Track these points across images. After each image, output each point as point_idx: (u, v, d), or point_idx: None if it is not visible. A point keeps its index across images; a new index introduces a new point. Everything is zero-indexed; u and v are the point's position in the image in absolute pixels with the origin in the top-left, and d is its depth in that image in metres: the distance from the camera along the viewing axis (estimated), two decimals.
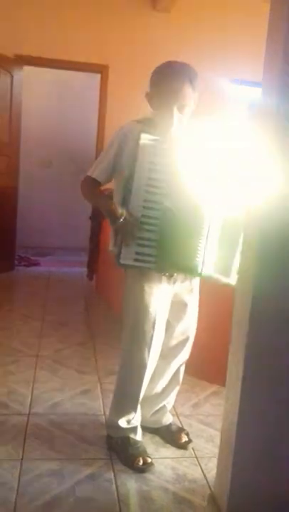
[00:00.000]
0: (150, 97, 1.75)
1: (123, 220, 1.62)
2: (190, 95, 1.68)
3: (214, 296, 2.07)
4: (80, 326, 3.42)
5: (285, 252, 1.35)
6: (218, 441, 1.66)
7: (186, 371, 2.40)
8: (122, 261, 1.67)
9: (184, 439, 1.96)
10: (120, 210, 1.63)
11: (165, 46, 4.38)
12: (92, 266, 4.55)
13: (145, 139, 1.61)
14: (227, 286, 1.66)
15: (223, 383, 1.61)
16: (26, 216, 5.49)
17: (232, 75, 4.94)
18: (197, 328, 1.98)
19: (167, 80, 1.67)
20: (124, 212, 1.62)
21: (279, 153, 1.31)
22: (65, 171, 5.90)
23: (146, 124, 1.73)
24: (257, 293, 1.36)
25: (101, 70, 4.79)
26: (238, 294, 1.48)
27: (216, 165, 1.64)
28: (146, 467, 1.77)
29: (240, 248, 1.62)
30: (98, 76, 4.88)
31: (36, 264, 5.38)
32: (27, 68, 4.74)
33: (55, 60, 4.67)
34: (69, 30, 4.66)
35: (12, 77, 4.56)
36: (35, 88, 5.55)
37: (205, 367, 2.55)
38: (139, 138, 1.61)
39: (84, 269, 4.76)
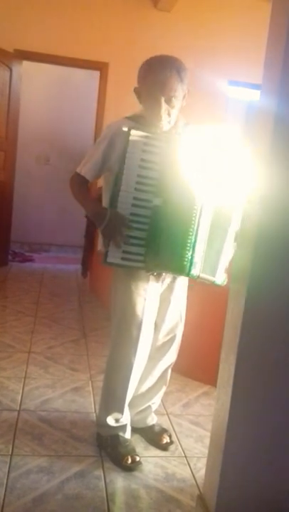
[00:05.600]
0: (138, 91, 1.71)
1: (108, 221, 1.58)
2: (177, 86, 1.64)
3: (207, 296, 2.07)
4: (72, 323, 3.42)
5: (280, 254, 1.36)
6: (207, 441, 1.67)
7: (177, 371, 2.40)
8: (108, 259, 1.62)
9: (165, 440, 1.94)
10: (104, 211, 1.59)
11: (165, 45, 4.37)
12: (87, 263, 4.54)
13: (135, 135, 1.57)
14: (215, 285, 1.64)
15: (214, 383, 1.62)
16: (22, 212, 5.48)
17: (230, 76, 4.95)
18: (189, 328, 1.98)
19: (153, 71, 1.63)
20: (109, 213, 1.59)
21: (277, 153, 1.31)
22: (62, 168, 5.88)
23: (137, 120, 1.70)
24: (250, 294, 1.36)
25: (100, 67, 4.78)
26: (232, 295, 1.48)
27: (210, 164, 1.58)
28: (134, 466, 1.77)
29: (226, 247, 1.61)
30: (97, 73, 4.87)
31: (30, 260, 5.38)
32: (26, 63, 4.72)
33: (55, 56, 4.66)
34: (69, 26, 4.66)
35: (11, 71, 4.55)
36: (34, 84, 5.53)
37: (196, 367, 2.56)
38: (129, 134, 1.56)
39: (79, 267, 4.75)
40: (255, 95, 4.98)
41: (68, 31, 4.66)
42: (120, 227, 1.59)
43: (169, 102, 1.64)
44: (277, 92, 1.30)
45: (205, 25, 4.79)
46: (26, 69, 4.80)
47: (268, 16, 1.38)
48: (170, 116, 1.68)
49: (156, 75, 1.62)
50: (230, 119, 5.16)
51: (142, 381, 1.90)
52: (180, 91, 1.66)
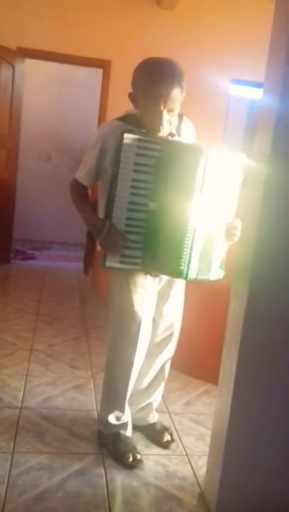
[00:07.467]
0: (135, 98, 1.65)
1: (106, 234, 1.58)
2: (179, 97, 1.61)
3: (208, 294, 2.08)
4: (74, 321, 3.42)
5: (281, 252, 1.36)
6: (208, 439, 1.67)
7: (178, 369, 2.41)
8: (107, 264, 1.63)
9: (166, 438, 1.95)
10: (102, 224, 1.59)
11: (168, 43, 4.37)
12: (89, 261, 4.54)
13: (129, 138, 1.53)
14: (211, 282, 1.62)
15: (215, 382, 1.62)
16: (24, 210, 5.48)
17: (233, 75, 4.94)
18: (190, 327, 1.98)
19: (154, 83, 1.56)
20: (107, 226, 1.58)
21: (278, 151, 1.31)
22: (64, 166, 5.88)
23: (130, 121, 1.67)
24: (252, 293, 1.36)
25: (103, 65, 4.77)
26: (233, 293, 1.49)
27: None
28: (135, 464, 1.77)
29: (220, 242, 1.59)
30: (100, 71, 4.87)
31: (32, 257, 5.38)
32: (29, 61, 4.72)
33: (58, 54, 4.66)
34: (72, 24, 4.65)
35: (14, 69, 4.54)
36: (37, 81, 5.53)
37: (197, 365, 2.56)
38: (122, 137, 1.53)
39: (80, 264, 4.75)
40: (257, 93, 4.97)
41: (71, 29, 4.65)
42: (117, 241, 1.59)
43: (170, 112, 1.61)
44: (280, 90, 1.30)
45: (208, 24, 4.77)
46: (29, 67, 4.80)
47: (271, 14, 1.38)
48: (170, 124, 1.66)
49: (158, 88, 1.55)
50: (231, 117, 5.15)
51: (141, 377, 1.91)
52: (180, 99, 1.62)
